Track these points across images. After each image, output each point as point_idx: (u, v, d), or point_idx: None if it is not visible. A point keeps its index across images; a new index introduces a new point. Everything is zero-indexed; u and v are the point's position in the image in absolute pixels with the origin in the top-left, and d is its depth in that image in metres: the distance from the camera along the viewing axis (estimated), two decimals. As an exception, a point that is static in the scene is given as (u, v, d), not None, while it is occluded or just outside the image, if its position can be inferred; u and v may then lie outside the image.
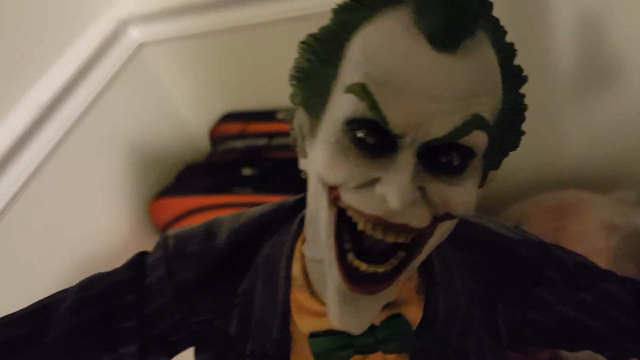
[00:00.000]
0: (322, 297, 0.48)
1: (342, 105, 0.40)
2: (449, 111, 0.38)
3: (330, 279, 0.43)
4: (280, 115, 1.39)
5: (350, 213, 0.41)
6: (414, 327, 0.49)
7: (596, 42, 1.12)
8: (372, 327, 0.47)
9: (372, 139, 0.39)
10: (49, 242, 1.10)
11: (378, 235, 0.40)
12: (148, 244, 0.56)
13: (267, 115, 1.42)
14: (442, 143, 0.38)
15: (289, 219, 0.52)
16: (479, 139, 0.39)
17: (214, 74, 1.39)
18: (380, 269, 0.42)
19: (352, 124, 0.39)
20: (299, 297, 0.49)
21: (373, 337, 0.47)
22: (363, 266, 0.42)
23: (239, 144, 1.41)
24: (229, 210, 1.27)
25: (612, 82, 1.18)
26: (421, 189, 0.39)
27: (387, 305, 0.45)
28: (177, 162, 1.45)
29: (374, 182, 0.39)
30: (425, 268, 0.50)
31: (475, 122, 0.38)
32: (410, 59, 0.38)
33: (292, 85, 0.44)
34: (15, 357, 0.49)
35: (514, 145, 0.45)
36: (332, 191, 0.41)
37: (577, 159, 1.29)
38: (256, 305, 0.51)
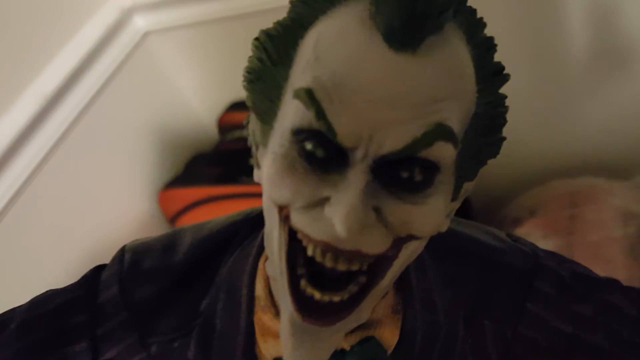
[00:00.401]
0: None
1: (289, 113, 0.36)
2: (406, 120, 0.33)
3: (283, 307, 0.39)
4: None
5: (300, 236, 0.37)
6: (390, 351, 0.44)
7: (613, 24, 1.10)
8: (342, 352, 0.43)
9: (322, 152, 0.35)
10: (56, 235, 1.10)
11: (328, 263, 0.36)
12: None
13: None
14: (399, 157, 0.34)
15: (255, 231, 0.48)
16: (443, 152, 0.34)
17: (221, 62, 1.37)
18: (337, 298, 0.37)
19: (299, 134, 0.35)
20: (263, 318, 0.45)
21: None
22: (317, 294, 0.37)
23: (247, 132, 1.40)
24: (236, 200, 1.28)
25: (628, 65, 1.15)
26: (377, 210, 0.35)
27: (358, 327, 0.42)
28: (185, 152, 1.44)
29: (324, 201, 0.35)
30: (402, 284, 0.45)
31: (439, 132, 0.33)
32: (363, 60, 0.33)
33: (244, 87, 0.40)
34: None
35: (493, 153, 0.40)
36: (283, 210, 0.37)
37: (592, 144, 1.27)
38: (217, 326, 0.46)
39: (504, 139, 0.40)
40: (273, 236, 0.39)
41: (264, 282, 0.45)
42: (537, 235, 1.12)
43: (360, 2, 0.34)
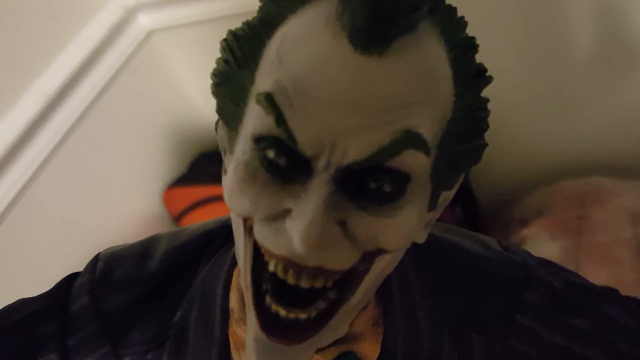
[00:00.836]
0: None
1: (251, 119, 0.34)
2: (372, 127, 0.31)
3: (249, 323, 0.37)
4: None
5: (262, 250, 0.35)
6: None
7: (625, 22, 1.09)
8: None
9: (284, 160, 0.33)
10: (60, 235, 1.10)
11: (290, 279, 0.34)
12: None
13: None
14: (365, 167, 0.32)
15: (230, 239, 0.45)
16: (414, 160, 0.32)
17: (225, 61, 1.37)
18: (303, 315, 0.35)
19: (260, 142, 0.33)
20: (237, 331, 0.43)
21: None
22: (282, 312, 0.35)
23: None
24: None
25: (637, 64, 1.14)
26: (342, 223, 0.33)
27: (337, 341, 0.40)
28: (190, 151, 1.44)
29: (285, 213, 0.33)
30: (383, 296, 0.43)
31: (407, 140, 0.31)
32: (325, 63, 0.31)
33: (211, 91, 0.38)
34: None
35: (474, 160, 0.37)
36: (247, 221, 0.35)
37: (600, 144, 1.25)
38: (191, 339, 0.45)
39: (486, 145, 0.37)
40: (240, 248, 0.37)
41: (238, 294, 0.43)
42: (544, 236, 1.11)
43: (328, 0, 0.32)
